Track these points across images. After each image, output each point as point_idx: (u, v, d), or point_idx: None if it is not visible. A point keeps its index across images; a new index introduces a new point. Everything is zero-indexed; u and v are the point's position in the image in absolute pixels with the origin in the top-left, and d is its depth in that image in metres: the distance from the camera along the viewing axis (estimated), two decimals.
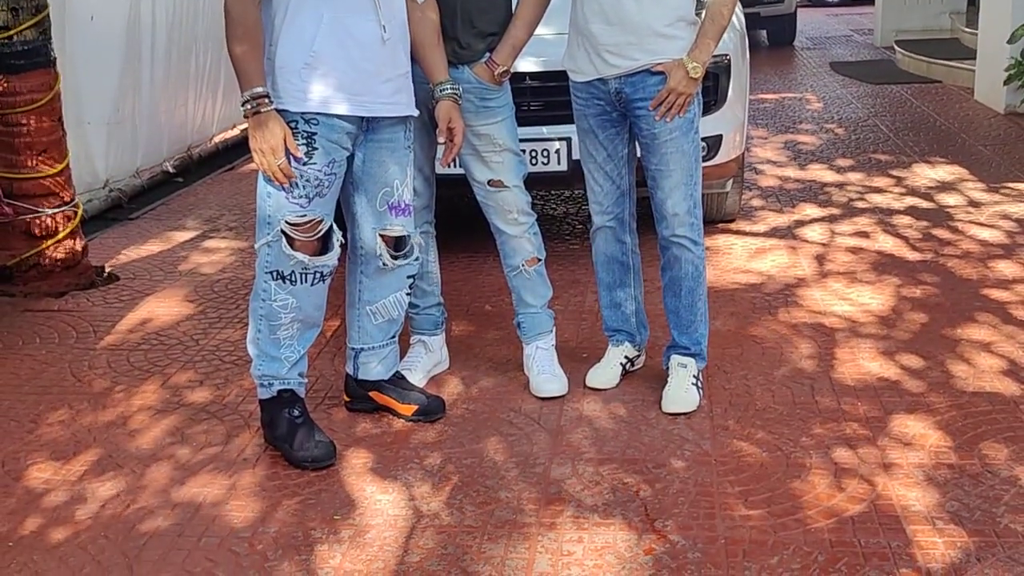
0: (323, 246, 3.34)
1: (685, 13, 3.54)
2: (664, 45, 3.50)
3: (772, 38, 14.85)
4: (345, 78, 3.20)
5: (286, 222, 3.23)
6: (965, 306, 4.61)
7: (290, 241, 3.25)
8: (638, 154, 3.74)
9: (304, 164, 3.20)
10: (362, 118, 3.30)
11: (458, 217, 5.36)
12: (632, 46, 3.51)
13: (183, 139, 8.16)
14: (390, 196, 3.44)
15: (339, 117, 3.23)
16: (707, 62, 3.52)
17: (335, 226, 3.34)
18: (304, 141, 3.20)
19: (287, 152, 3.16)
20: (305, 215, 3.25)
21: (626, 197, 3.83)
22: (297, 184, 3.20)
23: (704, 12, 3.55)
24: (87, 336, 4.62)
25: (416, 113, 3.48)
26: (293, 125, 3.19)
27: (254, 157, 3.19)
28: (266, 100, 3.14)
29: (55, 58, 5.13)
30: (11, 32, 4.90)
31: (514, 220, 3.85)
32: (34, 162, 5.06)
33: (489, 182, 3.81)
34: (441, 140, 3.67)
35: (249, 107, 3.14)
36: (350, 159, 3.36)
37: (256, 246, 3.35)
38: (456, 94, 3.59)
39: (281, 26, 3.19)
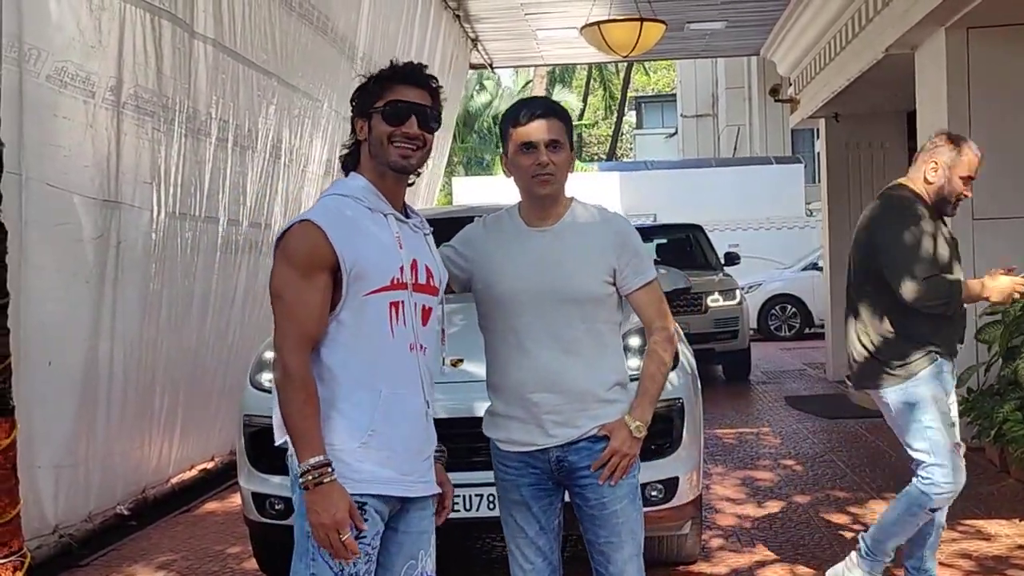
0: None
1: (621, 378, 3.57)
2: (607, 410, 3.50)
3: (728, 373, 15.11)
4: (396, 457, 3.05)
5: None
6: None
7: None
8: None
9: (359, 537, 2.97)
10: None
11: None
12: (578, 413, 3.47)
13: (138, 480, 8.04)
14: (413, 569, 3.18)
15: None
16: (648, 422, 3.51)
17: None
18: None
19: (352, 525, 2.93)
20: None
21: (556, 574, 3.67)
22: (355, 561, 2.97)
23: (641, 373, 3.58)
24: None
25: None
26: None
27: (314, 533, 2.93)
28: (328, 469, 2.92)
29: (13, 406, 5.14)
30: None
31: None
32: None
33: None
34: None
35: (310, 478, 2.90)
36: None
37: None
38: None
39: (335, 399, 3.02)
